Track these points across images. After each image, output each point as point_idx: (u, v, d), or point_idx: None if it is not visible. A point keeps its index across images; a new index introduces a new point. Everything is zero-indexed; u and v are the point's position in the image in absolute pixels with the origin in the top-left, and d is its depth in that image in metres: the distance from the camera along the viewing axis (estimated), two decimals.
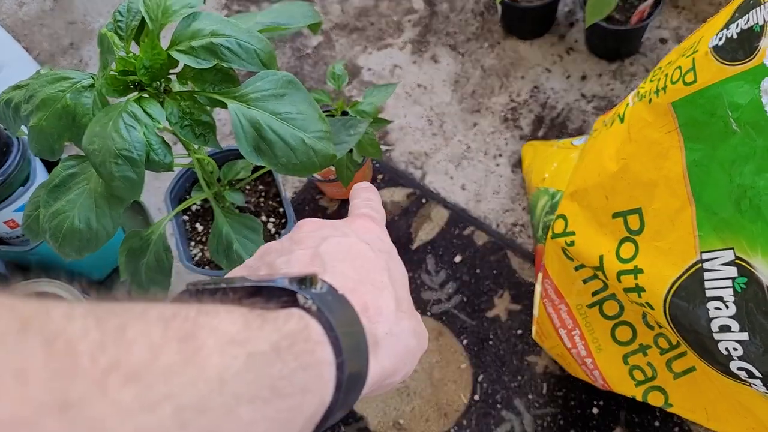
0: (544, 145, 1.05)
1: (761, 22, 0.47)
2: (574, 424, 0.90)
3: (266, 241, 0.84)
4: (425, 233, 1.06)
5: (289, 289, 0.28)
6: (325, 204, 1.11)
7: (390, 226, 1.05)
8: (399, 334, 0.32)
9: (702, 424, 0.69)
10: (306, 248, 0.34)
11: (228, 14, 1.34)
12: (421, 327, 0.36)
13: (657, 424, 0.88)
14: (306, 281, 0.29)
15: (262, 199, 0.90)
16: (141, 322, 0.21)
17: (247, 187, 0.90)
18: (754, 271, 0.50)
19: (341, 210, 1.10)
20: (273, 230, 0.87)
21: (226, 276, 0.30)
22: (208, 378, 0.21)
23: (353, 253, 0.34)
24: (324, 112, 0.93)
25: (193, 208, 0.89)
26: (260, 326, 0.25)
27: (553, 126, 1.12)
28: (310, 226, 0.36)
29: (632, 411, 0.90)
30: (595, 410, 0.91)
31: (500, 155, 1.11)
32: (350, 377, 0.28)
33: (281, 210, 0.88)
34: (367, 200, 0.41)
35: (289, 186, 1.13)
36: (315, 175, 0.96)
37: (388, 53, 1.24)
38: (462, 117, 1.15)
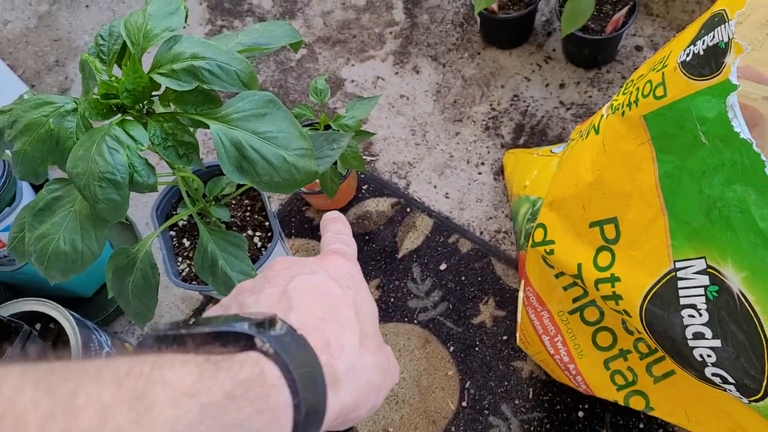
0: (524, 152, 1.07)
1: (726, 39, 0.48)
2: (560, 428, 0.91)
3: (252, 256, 0.86)
4: (410, 242, 1.07)
5: (248, 333, 0.29)
6: (311, 215, 1.12)
7: (376, 235, 1.06)
8: (361, 369, 0.33)
9: (683, 426, 0.70)
10: (275, 286, 0.35)
11: (212, 29, 1.34)
12: (390, 362, 0.37)
13: (641, 426, 0.90)
14: (265, 324, 0.30)
15: (247, 214, 0.90)
16: (94, 385, 0.22)
17: (233, 201, 0.91)
18: (725, 279, 0.51)
19: None
20: (259, 244, 0.88)
21: (188, 321, 0.31)
22: None
23: (321, 290, 0.35)
24: (307, 126, 0.95)
25: (180, 223, 0.90)
26: (214, 375, 0.26)
27: (534, 133, 1.14)
28: (281, 264, 0.37)
29: (617, 413, 0.91)
30: (580, 414, 0.92)
31: (482, 163, 1.12)
32: (307, 416, 0.29)
33: (267, 224, 0.89)
34: (337, 234, 0.42)
35: (276, 198, 1.14)
36: None
37: (371, 65, 1.25)
38: (444, 126, 1.17)
